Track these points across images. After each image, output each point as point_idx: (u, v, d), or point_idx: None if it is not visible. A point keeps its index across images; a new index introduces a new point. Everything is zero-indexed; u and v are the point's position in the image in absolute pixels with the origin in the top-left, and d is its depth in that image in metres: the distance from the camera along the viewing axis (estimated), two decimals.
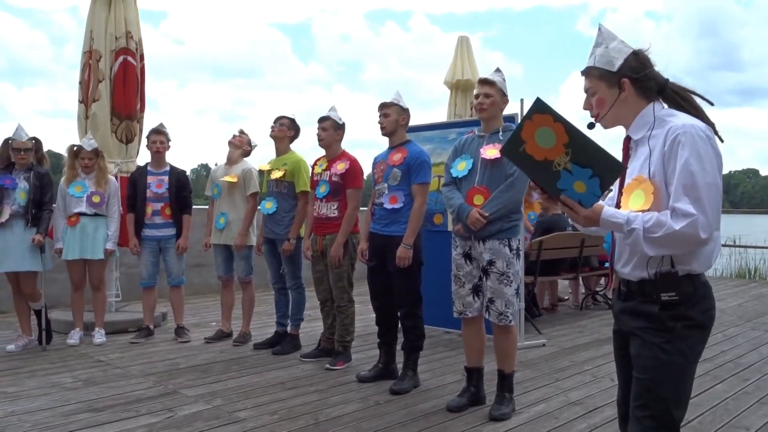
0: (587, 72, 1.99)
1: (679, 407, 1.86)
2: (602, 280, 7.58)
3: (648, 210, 1.78)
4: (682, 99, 1.93)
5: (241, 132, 5.48)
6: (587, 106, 2.00)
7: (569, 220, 2.14)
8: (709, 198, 1.73)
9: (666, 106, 1.94)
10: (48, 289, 5.16)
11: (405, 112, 4.13)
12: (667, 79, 1.95)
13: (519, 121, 5.01)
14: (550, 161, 1.76)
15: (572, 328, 6.18)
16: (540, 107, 1.73)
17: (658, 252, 1.77)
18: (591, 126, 1.99)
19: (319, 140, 4.58)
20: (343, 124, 4.61)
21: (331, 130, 4.54)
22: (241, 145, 5.37)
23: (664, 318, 1.83)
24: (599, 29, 2.00)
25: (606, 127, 1.99)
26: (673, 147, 1.77)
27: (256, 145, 5.52)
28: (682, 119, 1.82)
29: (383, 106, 4.11)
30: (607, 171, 1.75)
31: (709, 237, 1.73)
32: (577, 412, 3.63)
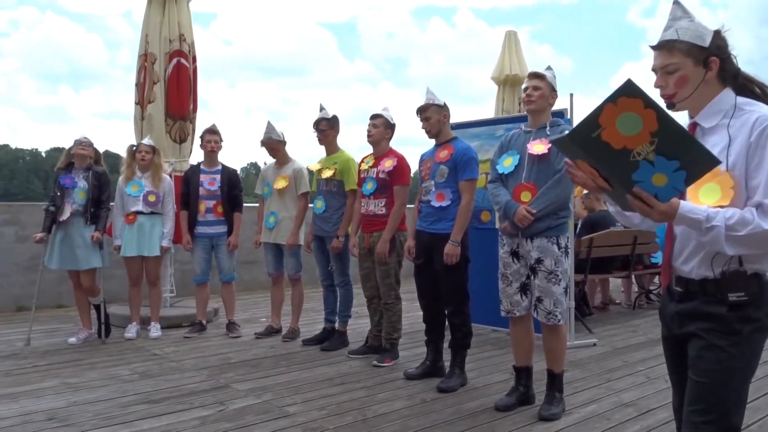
0: (670, 46, 1.79)
1: (738, 413, 1.78)
2: (656, 279, 7.38)
3: (726, 206, 1.66)
4: (757, 87, 1.82)
5: (264, 143, 5.37)
6: (661, 83, 1.82)
7: (617, 216, 2.01)
8: None
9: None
10: (106, 285, 5.36)
11: (444, 109, 4.10)
12: (739, 67, 1.83)
13: (568, 116, 4.95)
14: (629, 150, 1.57)
15: (624, 327, 6.04)
16: (630, 90, 1.52)
17: (738, 251, 1.66)
18: (670, 107, 1.83)
19: (369, 136, 4.61)
20: (394, 124, 4.63)
21: (381, 127, 4.56)
22: (277, 150, 5.37)
23: (731, 319, 1.72)
24: (677, 2, 1.84)
25: (681, 110, 1.83)
26: (762, 138, 1.65)
27: (283, 137, 5.42)
28: (766, 109, 1.71)
29: (421, 110, 4.08)
30: (697, 165, 1.57)
31: None
32: (629, 413, 3.55)
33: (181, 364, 4.53)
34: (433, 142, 4.18)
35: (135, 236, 5.26)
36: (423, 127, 4.10)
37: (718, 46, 1.78)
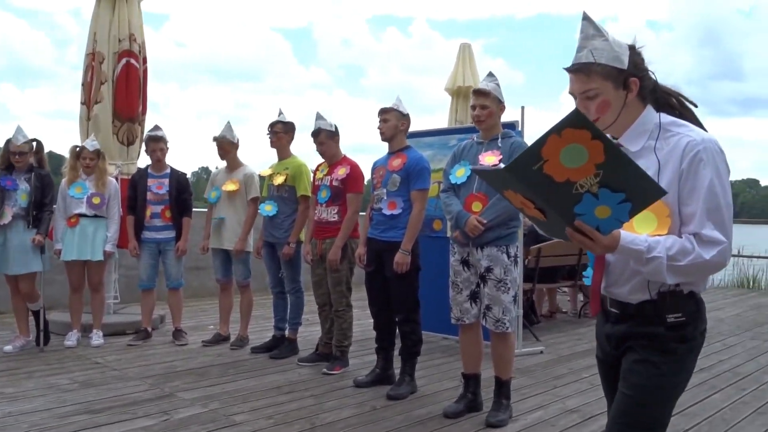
0: (587, 69, 1.69)
1: (662, 427, 1.76)
2: None
3: (658, 234, 1.61)
4: (674, 98, 1.77)
5: (216, 139, 5.26)
6: (583, 109, 1.69)
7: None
8: (730, 220, 1.61)
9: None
10: (46, 290, 5.17)
11: (405, 118, 4.13)
12: (656, 79, 1.75)
13: (519, 128, 5.04)
14: (572, 182, 1.49)
15: (570, 335, 6.17)
16: (577, 121, 1.43)
17: (678, 280, 1.63)
18: None
19: (321, 155, 4.60)
20: (336, 129, 4.59)
21: (327, 141, 4.53)
22: (228, 152, 5.28)
23: (669, 339, 1.70)
24: (586, 18, 1.72)
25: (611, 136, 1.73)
26: (693, 165, 1.60)
27: (237, 140, 5.34)
28: (695, 131, 1.65)
29: (383, 112, 4.11)
30: (644, 196, 1.52)
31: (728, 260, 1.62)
32: (574, 419, 3.62)
33: (124, 373, 4.40)
34: (385, 146, 4.20)
35: (77, 240, 5.10)
36: (379, 127, 4.11)
37: (635, 65, 1.70)
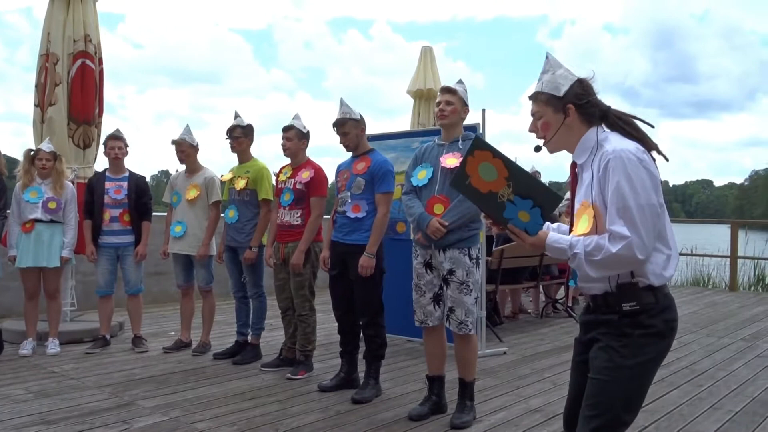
0: (535, 97, 2.07)
1: (628, 411, 1.94)
2: (562, 289, 7.70)
3: (588, 234, 1.88)
4: (624, 123, 2.00)
5: (176, 143, 5.17)
6: (533, 128, 2.08)
7: None
8: (643, 219, 1.81)
9: (607, 130, 2.01)
10: (0, 298, 5.00)
11: (360, 122, 4.11)
12: (609, 106, 2.04)
13: (480, 131, 5.09)
14: (494, 193, 1.88)
15: (533, 336, 6.25)
16: (479, 144, 1.87)
17: (600, 273, 1.88)
18: (537, 149, 2.10)
19: (284, 150, 4.55)
20: (308, 132, 4.58)
21: (295, 139, 4.51)
22: (188, 155, 5.19)
23: (622, 325, 1.92)
24: (547, 57, 2.08)
25: (551, 151, 2.09)
26: (606, 172, 1.87)
27: (197, 143, 5.27)
28: (613, 143, 1.91)
29: (338, 125, 4.07)
30: (547, 202, 1.88)
31: (646, 257, 1.83)
32: (537, 419, 3.66)
33: (82, 382, 4.29)
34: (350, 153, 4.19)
35: (32, 246, 4.95)
36: (341, 142, 4.10)
37: (576, 94, 2.00)
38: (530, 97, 2.10)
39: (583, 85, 2.02)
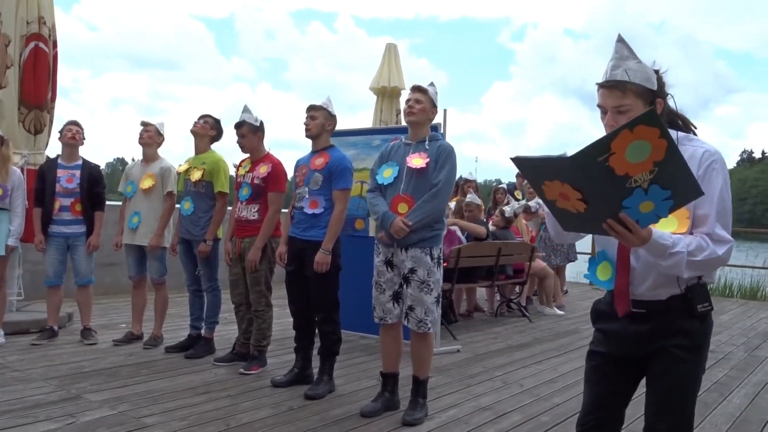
0: (623, 87, 1.84)
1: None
2: (517, 288, 7.83)
3: (683, 233, 1.80)
4: (680, 119, 1.95)
5: (145, 124, 5.18)
6: (613, 122, 1.85)
7: (551, 230, 2.06)
8: (731, 223, 1.83)
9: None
10: None
11: (332, 119, 4.13)
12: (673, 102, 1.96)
13: (441, 130, 5.12)
14: (629, 177, 1.59)
15: (486, 334, 6.34)
16: (651, 120, 1.52)
17: (692, 274, 1.80)
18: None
19: (241, 147, 4.50)
20: (261, 124, 4.52)
21: (249, 135, 4.46)
22: (152, 141, 5.17)
23: (700, 332, 1.90)
24: (622, 41, 1.89)
25: None
26: (708, 172, 1.80)
27: (162, 134, 5.23)
28: (707, 144, 1.85)
29: (312, 108, 4.09)
30: (685, 196, 1.66)
31: None
32: (486, 417, 3.72)
33: (27, 374, 4.17)
34: (308, 143, 4.17)
35: None
36: (305, 123, 4.09)
37: (661, 87, 1.88)
38: (609, 86, 1.86)
39: (661, 77, 1.90)
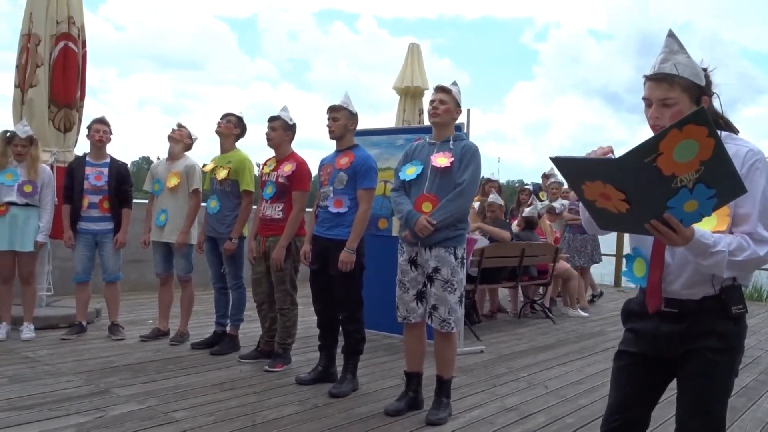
0: (671, 80, 1.83)
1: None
2: (540, 289, 7.77)
3: (722, 232, 1.77)
4: (721, 120, 1.93)
5: (180, 126, 5.32)
6: (657, 114, 1.84)
7: (585, 224, 2.04)
8: None
9: None
10: None
11: (354, 117, 4.14)
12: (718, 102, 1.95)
13: (465, 130, 5.11)
14: (675, 177, 1.55)
15: (510, 335, 6.31)
16: (700, 118, 1.50)
17: (731, 274, 1.78)
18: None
19: (268, 140, 4.53)
20: (294, 125, 4.57)
21: (280, 130, 4.49)
22: (182, 139, 5.24)
23: (734, 334, 1.87)
24: (673, 35, 1.87)
25: None
26: (751, 171, 1.79)
27: (196, 138, 5.38)
28: (750, 143, 1.84)
29: (332, 110, 4.11)
30: (729, 194, 1.63)
31: None
32: (511, 417, 3.71)
33: (57, 368, 4.24)
34: (331, 142, 4.19)
35: (6, 229, 4.88)
36: (328, 125, 4.11)
37: (708, 84, 1.87)
38: (657, 78, 1.85)
39: (708, 75, 1.89)
